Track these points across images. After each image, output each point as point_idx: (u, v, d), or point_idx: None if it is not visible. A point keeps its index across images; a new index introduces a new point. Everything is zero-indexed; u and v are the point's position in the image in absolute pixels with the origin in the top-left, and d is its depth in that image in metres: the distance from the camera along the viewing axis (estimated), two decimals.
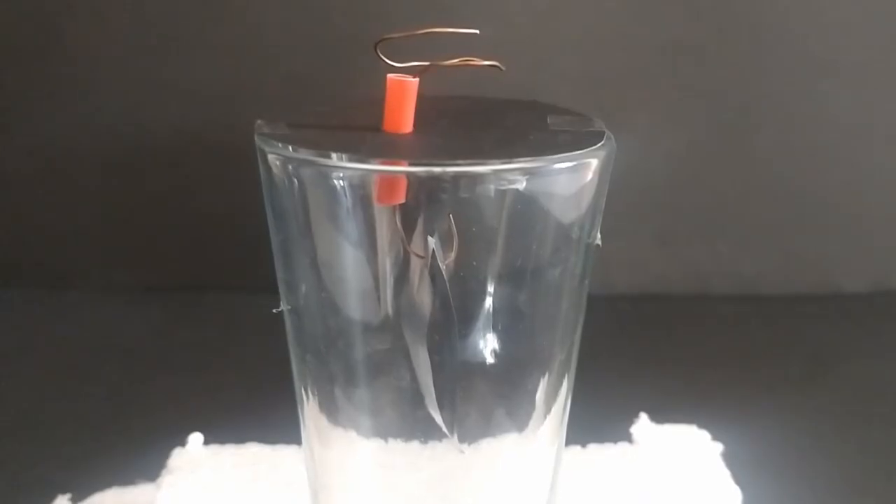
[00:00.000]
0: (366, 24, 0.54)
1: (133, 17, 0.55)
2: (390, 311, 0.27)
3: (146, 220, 0.59)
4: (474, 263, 0.26)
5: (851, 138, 0.58)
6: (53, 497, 0.38)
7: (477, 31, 0.25)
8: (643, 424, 0.42)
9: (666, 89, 0.57)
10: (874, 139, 0.58)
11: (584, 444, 0.40)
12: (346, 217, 0.26)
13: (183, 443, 0.40)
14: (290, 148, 0.25)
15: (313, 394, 0.29)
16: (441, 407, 0.27)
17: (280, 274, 0.28)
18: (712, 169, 0.58)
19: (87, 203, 0.59)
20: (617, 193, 0.29)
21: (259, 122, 0.27)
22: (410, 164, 0.24)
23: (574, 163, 0.25)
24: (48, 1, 0.55)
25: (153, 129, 0.57)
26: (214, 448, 0.40)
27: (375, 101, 0.27)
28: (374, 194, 0.25)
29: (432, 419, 0.27)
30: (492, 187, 0.25)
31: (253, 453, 0.40)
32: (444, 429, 0.27)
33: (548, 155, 0.25)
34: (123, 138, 0.57)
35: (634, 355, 0.52)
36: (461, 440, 0.28)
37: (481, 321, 0.27)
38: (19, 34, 0.56)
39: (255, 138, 0.26)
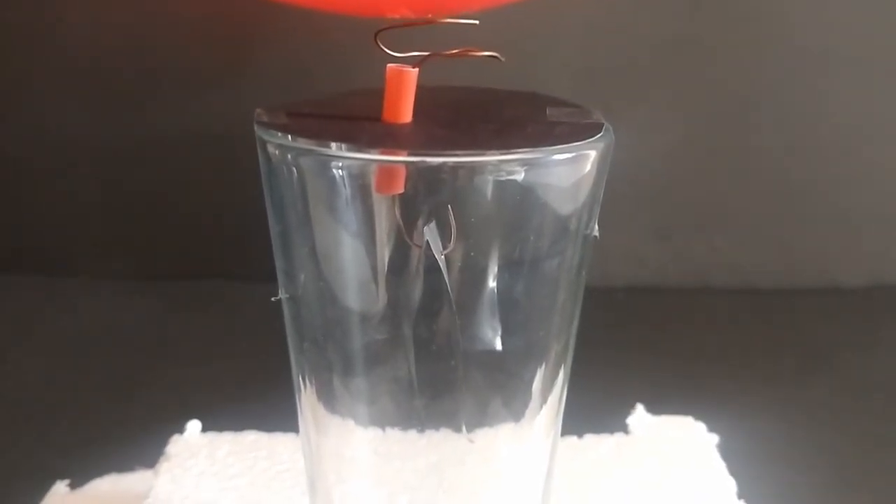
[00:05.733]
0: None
1: (133, 5, 0.55)
2: (388, 300, 0.27)
3: (145, 208, 0.59)
4: (472, 254, 0.26)
5: (850, 133, 0.58)
6: (52, 483, 0.39)
7: (476, 22, 0.25)
8: (639, 415, 0.42)
9: (665, 82, 0.57)
10: (872, 134, 0.58)
11: (580, 435, 0.40)
12: (345, 206, 0.26)
13: (181, 430, 0.40)
14: (290, 137, 0.25)
15: (311, 382, 0.29)
16: (437, 396, 0.27)
17: (279, 263, 0.28)
18: (711, 162, 0.59)
19: (85, 191, 0.59)
20: (615, 186, 0.29)
21: (258, 110, 0.27)
22: (409, 155, 0.24)
23: (572, 154, 0.25)
24: None
25: (152, 118, 0.57)
26: (212, 435, 0.40)
27: (375, 91, 0.27)
28: (374, 184, 0.25)
29: (429, 408, 0.28)
30: (490, 178, 0.25)
31: (250, 441, 0.40)
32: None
33: (546, 146, 0.25)
34: (123, 127, 0.57)
35: (631, 347, 0.52)
36: (457, 429, 0.28)
37: (478, 311, 0.27)
38: (19, 21, 0.56)
39: (255, 127, 0.26)
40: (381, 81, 0.26)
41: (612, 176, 0.27)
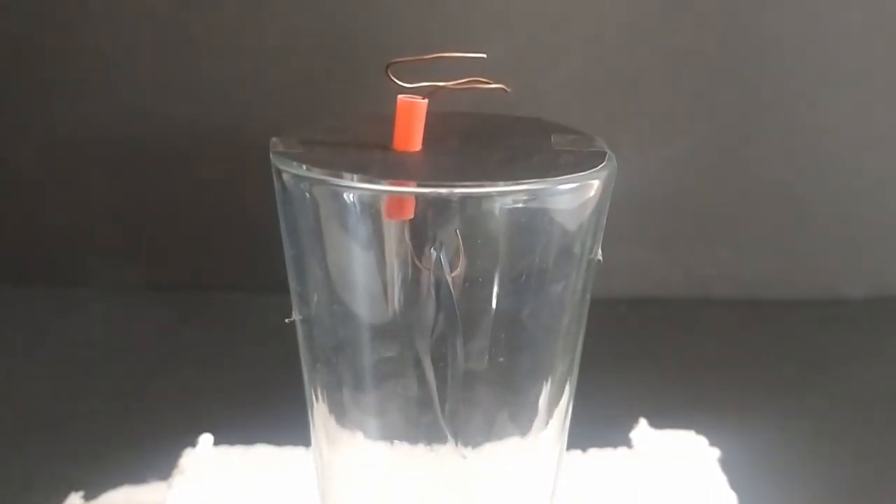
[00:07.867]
0: (378, 30, 0.54)
1: (144, 17, 0.56)
2: (399, 322, 0.28)
3: (154, 219, 0.60)
4: (480, 279, 0.27)
5: (850, 145, 0.58)
6: (67, 495, 0.39)
7: (484, 56, 0.26)
8: (642, 430, 0.42)
9: (668, 97, 0.57)
10: (872, 146, 0.59)
11: (584, 449, 0.41)
12: (358, 232, 0.26)
13: (194, 443, 0.41)
14: (304, 167, 0.26)
15: (323, 398, 0.30)
16: (445, 412, 0.28)
17: (293, 285, 0.29)
18: (713, 175, 0.59)
19: (95, 202, 0.59)
20: (619, 198, 0.30)
21: (274, 139, 0.28)
22: (419, 185, 0.25)
23: (576, 184, 0.26)
24: (60, 1, 0.56)
25: (162, 130, 0.57)
26: (224, 449, 0.41)
27: (385, 117, 0.27)
28: (384, 211, 0.26)
29: (437, 423, 0.28)
30: (497, 206, 0.25)
31: (261, 454, 0.41)
32: (449, 434, 0.28)
33: (551, 176, 0.25)
34: (133, 138, 0.58)
35: (635, 359, 0.53)
36: (466, 444, 0.29)
37: (485, 332, 0.28)
38: (31, 34, 0.56)
39: (271, 156, 0.27)
40: (391, 107, 0.27)
41: (616, 189, 0.28)
